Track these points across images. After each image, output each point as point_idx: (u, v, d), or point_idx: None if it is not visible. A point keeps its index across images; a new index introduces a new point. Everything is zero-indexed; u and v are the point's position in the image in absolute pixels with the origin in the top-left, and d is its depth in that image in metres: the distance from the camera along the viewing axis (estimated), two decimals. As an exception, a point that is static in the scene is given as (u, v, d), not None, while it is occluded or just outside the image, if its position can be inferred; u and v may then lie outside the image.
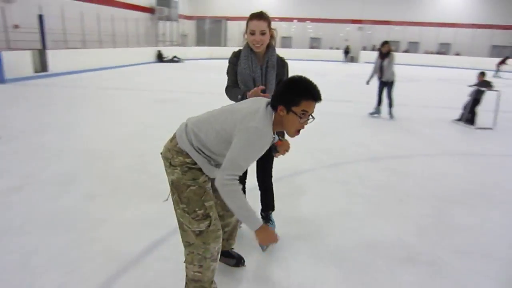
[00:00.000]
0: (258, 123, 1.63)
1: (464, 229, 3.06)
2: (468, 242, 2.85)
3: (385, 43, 7.64)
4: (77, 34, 14.87)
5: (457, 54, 28.34)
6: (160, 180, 3.73)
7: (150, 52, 20.00)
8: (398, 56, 7.74)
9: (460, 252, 2.69)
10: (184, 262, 1.90)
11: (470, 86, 7.65)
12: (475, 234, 2.99)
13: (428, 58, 27.04)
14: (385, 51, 7.49)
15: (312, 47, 29.72)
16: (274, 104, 1.71)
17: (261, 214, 2.73)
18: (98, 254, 2.46)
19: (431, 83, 15.75)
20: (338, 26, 29.03)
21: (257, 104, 1.75)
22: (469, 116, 7.43)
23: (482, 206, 3.54)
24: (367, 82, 7.78)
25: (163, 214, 3.01)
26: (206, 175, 1.81)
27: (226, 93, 2.50)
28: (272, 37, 2.38)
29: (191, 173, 1.76)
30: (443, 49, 29.52)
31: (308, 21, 29.34)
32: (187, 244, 1.86)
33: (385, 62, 7.44)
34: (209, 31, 28.56)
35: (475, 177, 4.36)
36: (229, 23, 29.37)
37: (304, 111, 1.66)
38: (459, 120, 7.58)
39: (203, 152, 1.75)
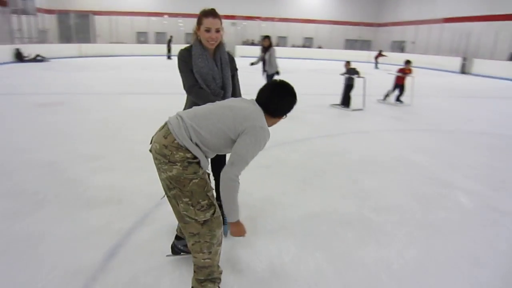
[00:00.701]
0: (262, 123, 1.82)
1: (373, 191, 3.70)
2: (381, 201, 3.47)
3: (266, 37, 7.98)
4: None
5: (319, 47, 31.68)
6: (86, 187, 3.55)
7: (6, 51, 17.33)
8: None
9: (378, 209, 3.28)
10: (191, 252, 1.96)
11: (342, 74, 8.78)
12: (383, 194, 3.64)
13: (296, 51, 29.58)
14: (266, 45, 7.84)
15: (187, 43, 29.60)
16: (272, 111, 1.94)
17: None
18: (54, 270, 2.27)
19: (304, 74, 17.38)
20: (212, 22, 29.57)
21: (251, 104, 1.92)
22: (345, 100, 8.58)
23: (379, 172, 4.28)
24: (251, 64, 8.02)
25: (107, 220, 2.91)
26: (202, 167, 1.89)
27: (191, 93, 2.46)
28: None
29: (191, 167, 1.81)
30: (307, 43, 32.67)
31: (180, 17, 29.09)
32: (191, 235, 1.91)
33: (267, 55, 7.82)
34: (75, 26, 26.06)
35: (365, 150, 5.18)
36: (97, 17, 27.27)
37: None
38: (338, 104, 8.67)
39: (200, 148, 1.83)
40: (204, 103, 2.16)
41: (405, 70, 9.36)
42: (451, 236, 2.88)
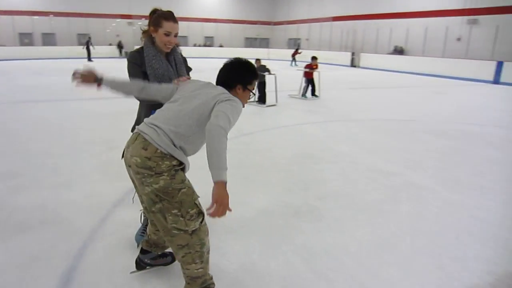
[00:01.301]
0: (233, 97, 1.81)
1: (312, 181, 3.93)
2: (321, 189, 3.71)
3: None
4: None
5: (221, 46, 31.97)
6: (10, 209, 3.15)
7: None
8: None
9: (321, 197, 3.51)
10: (183, 265, 1.89)
11: (254, 72, 9.02)
12: (321, 183, 3.89)
13: (198, 51, 29.38)
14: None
15: (80, 44, 27.43)
16: (230, 84, 1.94)
17: None
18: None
19: (213, 73, 17.34)
20: (107, 21, 27.77)
21: (212, 86, 1.94)
22: (261, 97, 8.86)
23: (311, 163, 4.55)
24: None
25: (49, 243, 2.61)
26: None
27: (139, 97, 2.24)
28: None
29: (178, 175, 1.75)
30: (208, 42, 32.72)
31: (70, 16, 26.71)
32: (179, 247, 1.83)
33: None
34: None
35: (292, 143, 5.45)
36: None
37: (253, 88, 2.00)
38: (253, 101, 8.90)
39: (184, 150, 1.77)
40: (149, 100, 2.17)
41: (312, 66, 10.00)
42: (387, 213, 3.23)
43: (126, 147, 1.83)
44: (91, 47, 22.32)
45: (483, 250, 2.69)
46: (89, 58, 22.08)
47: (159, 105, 2.27)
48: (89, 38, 23.04)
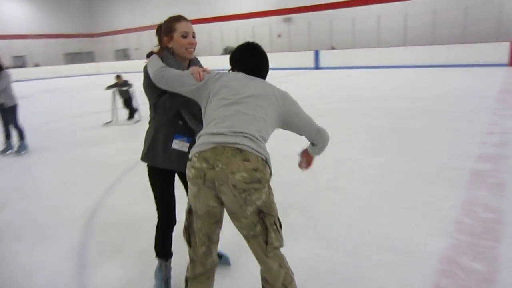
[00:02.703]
0: (282, 91, 1.80)
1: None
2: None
3: None
4: None
5: (36, 65, 27.91)
6: None
7: None
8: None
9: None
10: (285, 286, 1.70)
11: (125, 88, 8.17)
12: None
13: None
14: None
15: None
16: (265, 75, 1.87)
17: None
18: None
19: (42, 97, 15.20)
20: None
21: (253, 81, 1.75)
22: (130, 112, 8.27)
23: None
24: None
25: None
26: None
27: (159, 108, 1.90)
28: None
29: (271, 187, 1.65)
30: (19, 62, 28.14)
31: None
32: (278, 267, 1.66)
33: None
34: None
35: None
36: None
37: None
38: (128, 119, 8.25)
39: None
40: (173, 108, 1.90)
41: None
42: (344, 188, 3.64)
43: (207, 168, 1.51)
44: None
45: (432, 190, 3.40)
46: None
47: (183, 128, 2.00)
48: None
